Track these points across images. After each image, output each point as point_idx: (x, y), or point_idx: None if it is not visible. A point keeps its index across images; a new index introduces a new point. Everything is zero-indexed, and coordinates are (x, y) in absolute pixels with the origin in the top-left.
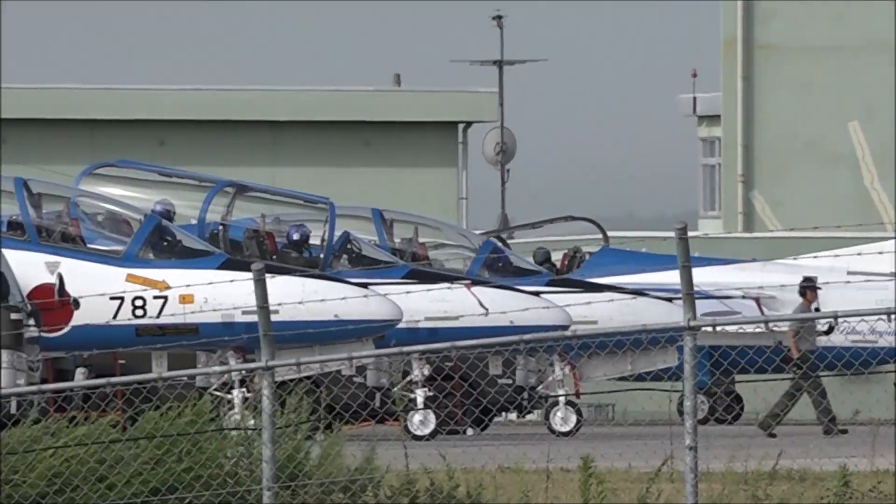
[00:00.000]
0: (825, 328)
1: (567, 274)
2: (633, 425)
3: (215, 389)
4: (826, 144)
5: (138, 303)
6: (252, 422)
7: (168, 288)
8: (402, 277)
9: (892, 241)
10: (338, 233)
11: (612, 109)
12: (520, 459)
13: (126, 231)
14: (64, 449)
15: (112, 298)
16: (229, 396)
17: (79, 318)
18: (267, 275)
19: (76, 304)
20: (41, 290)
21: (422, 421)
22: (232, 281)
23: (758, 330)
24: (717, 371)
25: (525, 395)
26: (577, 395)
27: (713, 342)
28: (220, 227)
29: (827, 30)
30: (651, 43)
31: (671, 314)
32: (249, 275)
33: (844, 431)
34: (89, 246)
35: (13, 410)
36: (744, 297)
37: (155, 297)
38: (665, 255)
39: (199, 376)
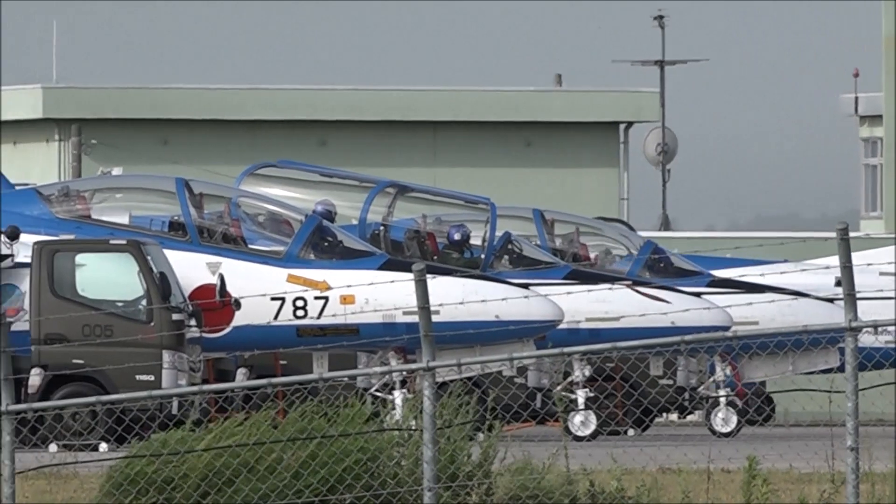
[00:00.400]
0: None
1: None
2: (795, 426)
3: (376, 390)
4: None
5: (299, 303)
6: (413, 422)
7: (329, 288)
8: (563, 278)
9: None
10: (499, 233)
11: (773, 109)
12: (681, 460)
13: (287, 231)
14: (224, 449)
15: (273, 299)
16: (390, 397)
17: (240, 319)
18: (428, 275)
19: (237, 304)
20: (202, 291)
21: (583, 422)
22: (393, 281)
23: None
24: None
25: (686, 395)
26: (741, 395)
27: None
28: (381, 228)
29: None
30: (812, 42)
31: (832, 315)
32: (410, 275)
33: None
34: (250, 246)
35: (174, 411)
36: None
37: (316, 298)
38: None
39: (360, 377)
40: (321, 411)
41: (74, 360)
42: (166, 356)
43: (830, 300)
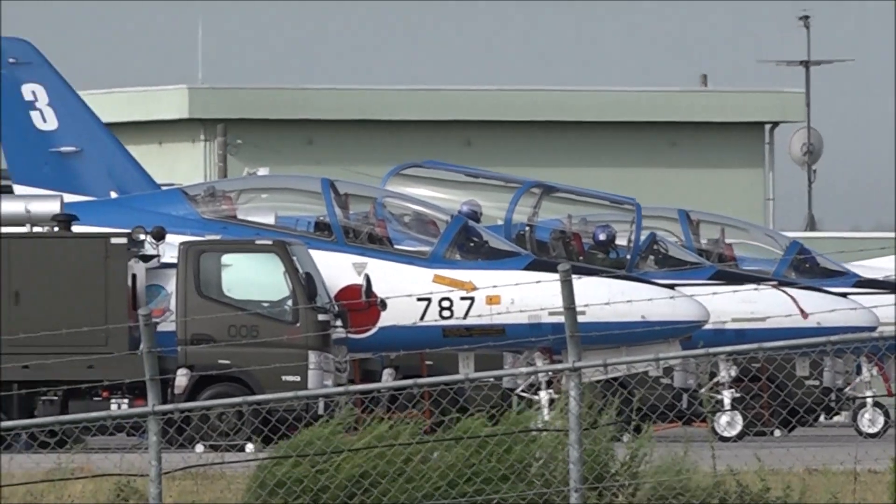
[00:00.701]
0: None
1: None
2: None
3: (522, 391)
4: None
5: (445, 304)
6: (559, 423)
7: (475, 289)
8: (709, 278)
9: None
10: (644, 233)
11: None
12: (827, 461)
13: (433, 232)
14: (370, 449)
15: (419, 299)
16: (536, 398)
17: (386, 319)
18: (573, 276)
19: (383, 305)
20: (348, 291)
21: (729, 422)
22: (538, 282)
23: None
24: None
25: (832, 396)
26: (890, 394)
27: None
28: (527, 228)
29: None
30: None
31: None
32: (556, 276)
33: None
34: (396, 247)
35: (321, 411)
36: None
37: (462, 298)
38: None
39: (506, 377)
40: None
41: (220, 361)
42: (312, 357)
43: None
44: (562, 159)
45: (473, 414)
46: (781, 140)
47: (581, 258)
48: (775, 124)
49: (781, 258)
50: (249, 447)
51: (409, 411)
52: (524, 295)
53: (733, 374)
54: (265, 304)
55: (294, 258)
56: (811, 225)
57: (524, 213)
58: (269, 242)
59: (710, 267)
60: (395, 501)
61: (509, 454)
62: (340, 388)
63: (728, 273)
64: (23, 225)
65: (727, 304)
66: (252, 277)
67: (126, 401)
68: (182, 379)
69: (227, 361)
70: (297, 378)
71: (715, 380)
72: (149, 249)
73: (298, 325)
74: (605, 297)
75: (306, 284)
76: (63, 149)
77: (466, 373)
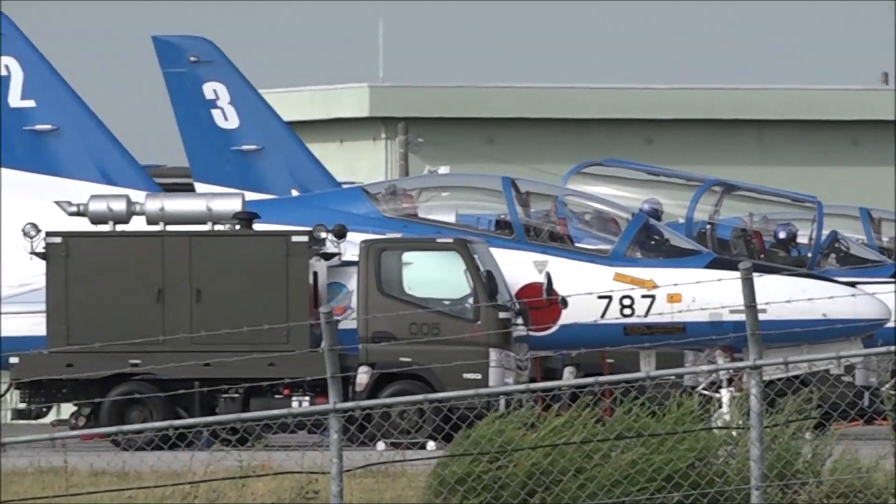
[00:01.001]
0: None
1: None
2: None
3: (703, 388)
4: None
5: (626, 301)
6: (740, 421)
7: (656, 287)
8: (891, 276)
9: None
10: (825, 231)
11: None
12: None
13: (613, 230)
14: (551, 447)
15: (600, 297)
16: (717, 395)
17: (567, 317)
18: (754, 274)
19: (564, 302)
20: (529, 289)
21: None
22: (719, 280)
23: None
24: None
25: None
26: None
27: None
28: (708, 226)
29: None
30: None
31: None
32: (737, 274)
33: None
34: (577, 245)
35: (501, 409)
36: None
37: (643, 296)
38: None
39: (687, 375)
40: (648, 410)
41: (402, 359)
42: (493, 354)
43: None
44: (742, 158)
45: (654, 412)
46: None
47: (762, 256)
48: None
49: None
50: (430, 445)
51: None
52: (705, 293)
53: None
54: (446, 302)
55: (475, 256)
56: None
57: (705, 212)
58: (451, 241)
59: (892, 265)
60: (574, 498)
61: (691, 452)
62: (521, 386)
63: None
64: (204, 223)
65: None
66: (433, 275)
67: (307, 398)
68: (363, 376)
69: (408, 359)
70: (479, 376)
71: None
72: (330, 247)
73: (479, 322)
74: (786, 296)
75: (487, 282)
76: (244, 147)
77: (647, 371)
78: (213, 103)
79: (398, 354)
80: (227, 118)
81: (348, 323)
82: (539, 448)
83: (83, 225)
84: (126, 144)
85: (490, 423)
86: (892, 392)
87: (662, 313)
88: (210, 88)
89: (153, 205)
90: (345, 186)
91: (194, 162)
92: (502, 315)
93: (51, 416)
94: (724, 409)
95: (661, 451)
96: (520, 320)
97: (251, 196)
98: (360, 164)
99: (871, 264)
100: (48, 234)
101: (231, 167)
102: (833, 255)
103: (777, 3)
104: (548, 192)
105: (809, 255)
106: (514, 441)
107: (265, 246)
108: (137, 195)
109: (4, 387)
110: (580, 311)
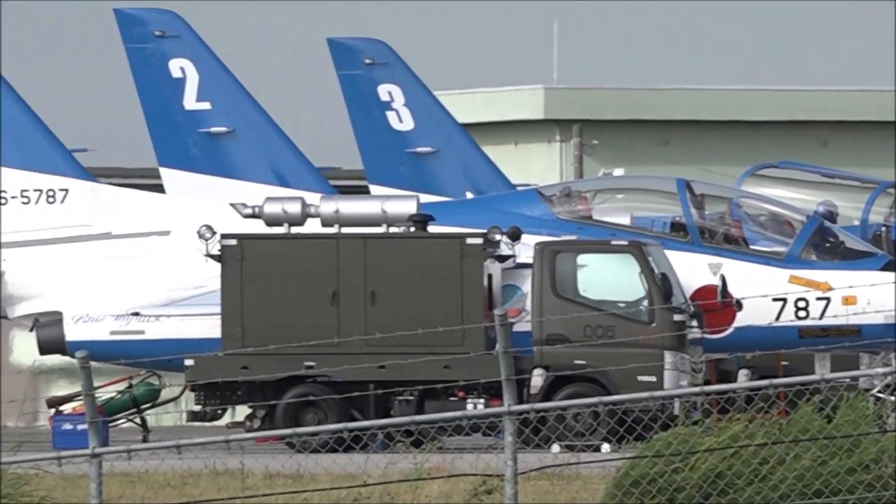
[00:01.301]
0: None
1: None
2: None
3: (878, 391)
4: None
5: (801, 304)
6: None
7: (831, 289)
8: None
9: None
10: None
11: None
12: None
13: (788, 232)
14: (727, 450)
15: (775, 300)
16: (892, 398)
17: (742, 320)
18: None
19: (739, 305)
20: (704, 292)
21: None
22: (895, 282)
23: None
24: None
25: None
26: None
27: None
28: (883, 229)
29: None
30: None
31: None
32: None
33: None
34: (751, 247)
35: (676, 411)
36: None
37: (818, 299)
38: None
39: (863, 378)
40: (823, 413)
41: (576, 361)
42: (668, 357)
43: None
44: None
45: (829, 416)
46: None
47: None
48: None
49: None
50: (605, 447)
51: (764, 412)
52: (880, 295)
53: None
54: (621, 305)
55: (650, 258)
56: None
57: (880, 214)
58: (625, 243)
59: None
60: (751, 502)
61: (865, 455)
62: (696, 389)
63: None
64: (379, 225)
65: None
66: (608, 278)
67: (482, 401)
68: (538, 379)
69: (582, 361)
70: (653, 378)
71: None
72: (504, 249)
73: (654, 325)
74: None
75: (662, 285)
76: (419, 149)
77: (822, 373)
78: (388, 105)
79: (573, 357)
80: (401, 120)
81: (523, 325)
82: (714, 450)
83: (258, 227)
84: (301, 147)
85: (680, 426)
86: None
87: (837, 315)
88: (385, 90)
89: (328, 207)
90: (519, 189)
91: (369, 164)
92: (677, 317)
93: (226, 419)
94: None
95: (838, 454)
96: (694, 323)
97: (426, 198)
98: (534, 166)
99: None
100: (223, 236)
101: (406, 169)
102: None
103: None
104: (722, 195)
105: None
106: (692, 443)
107: (440, 248)
108: (312, 197)
109: (179, 389)
110: (755, 313)
